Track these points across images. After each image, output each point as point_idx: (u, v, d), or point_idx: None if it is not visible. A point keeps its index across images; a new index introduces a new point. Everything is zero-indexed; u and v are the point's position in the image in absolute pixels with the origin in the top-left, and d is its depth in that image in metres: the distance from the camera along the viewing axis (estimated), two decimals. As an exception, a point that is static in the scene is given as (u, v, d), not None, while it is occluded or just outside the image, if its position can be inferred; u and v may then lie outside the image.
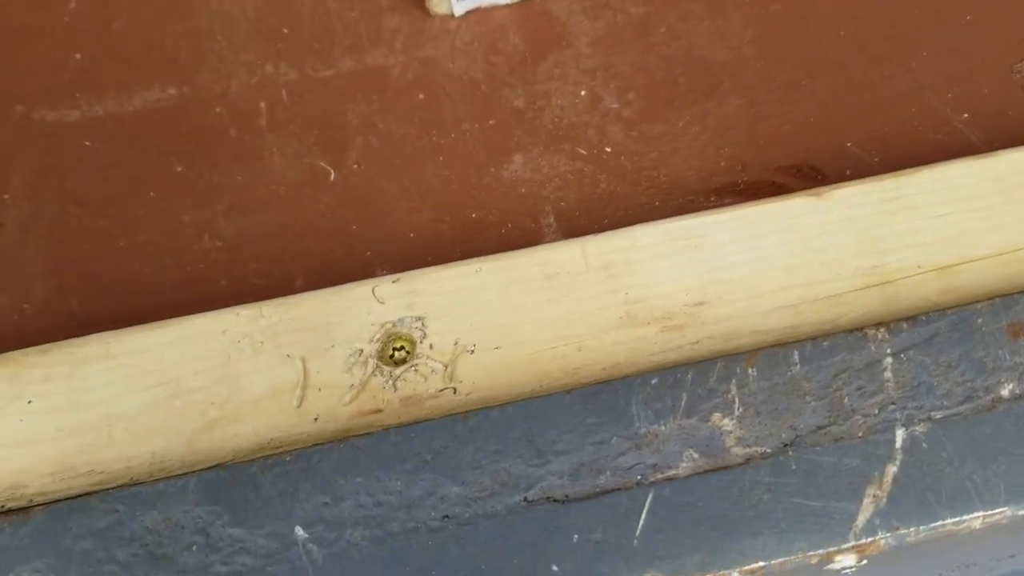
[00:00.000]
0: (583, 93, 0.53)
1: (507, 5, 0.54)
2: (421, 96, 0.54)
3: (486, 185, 0.52)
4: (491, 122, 0.53)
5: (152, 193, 0.52)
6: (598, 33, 0.55)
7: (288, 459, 0.38)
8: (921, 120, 0.52)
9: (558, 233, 0.51)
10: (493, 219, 0.51)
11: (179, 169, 0.53)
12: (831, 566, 0.35)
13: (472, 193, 0.52)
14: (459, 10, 0.54)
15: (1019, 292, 0.40)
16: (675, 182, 0.51)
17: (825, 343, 0.38)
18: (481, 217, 0.51)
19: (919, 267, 0.41)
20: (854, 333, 0.38)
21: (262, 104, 0.54)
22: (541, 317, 0.42)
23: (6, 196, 0.52)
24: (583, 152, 0.52)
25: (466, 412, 0.38)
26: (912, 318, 0.38)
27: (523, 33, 0.55)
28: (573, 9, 0.55)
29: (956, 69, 0.53)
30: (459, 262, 0.44)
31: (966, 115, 0.52)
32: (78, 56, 0.55)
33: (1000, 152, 0.44)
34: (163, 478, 0.39)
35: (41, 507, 0.39)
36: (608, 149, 0.52)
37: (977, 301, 0.40)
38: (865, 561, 0.35)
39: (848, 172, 0.51)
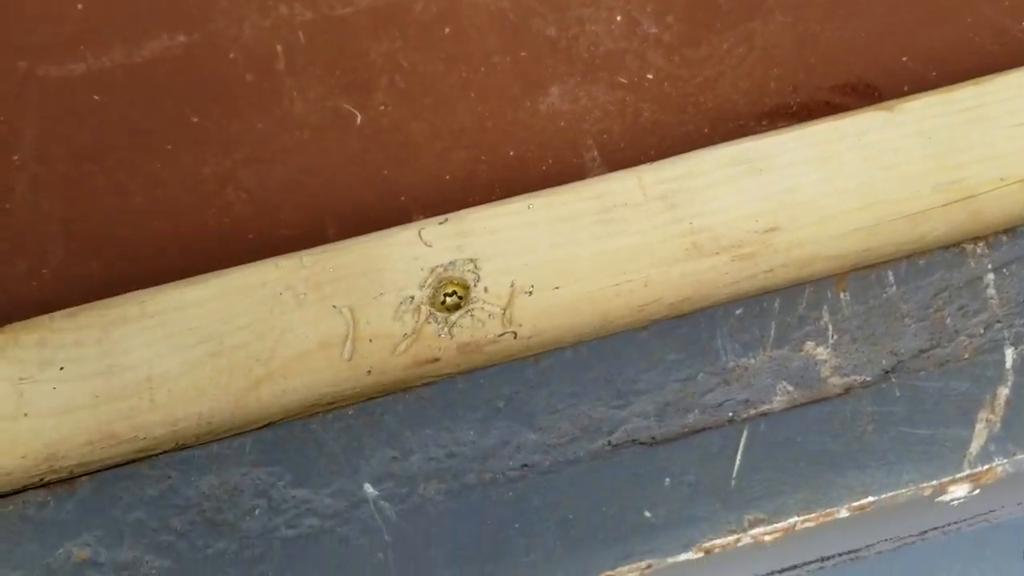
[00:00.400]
0: (619, 18, 0.51)
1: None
2: (447, 30, 0.51)
3: (522, 120, 0.49)
4: (523, 54, 0.50)
5: (168, 146, 0.49)
6: (631, -46, 0.52)
7: (351, 413, 0.35)
8: (977, 31, 0.49)
9: (603, 167, 0.48)
10: (533, 156, 0.49)
11: (195, 120, 0.50)
12: (943, 497, 0.34)
13: (508, 129, 0.49)
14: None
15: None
16: (723, 107, 0.49)
17: (921, 262, 0.36)
18: (520, 154, 0.49)
19: (1002, 180, 0.39)
20: (951, 249, 0.36)
21: (278, 47, 0.51)
22: (600, 253, 0.39)
23: (15, 158, 0.49)
24: (623, 81, 0.50)
25: (536, 355, 0.36)
26: (1011, 230, 0.36)
27: (551, -42, 0.52)
28: (603, -70, 0.52)
29: (1010, -25, 0.50)
30: (509, 199, 0.41)
31: (1024, 22, 0.49)
32: (80, 6, 0.52)
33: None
34: (216, 439, 0.36)
35: (87, 477, 0.36)
36: (650, 76, 0.50)
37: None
38: (978, 491, 0.33)
39: (905, 88, 0.48)
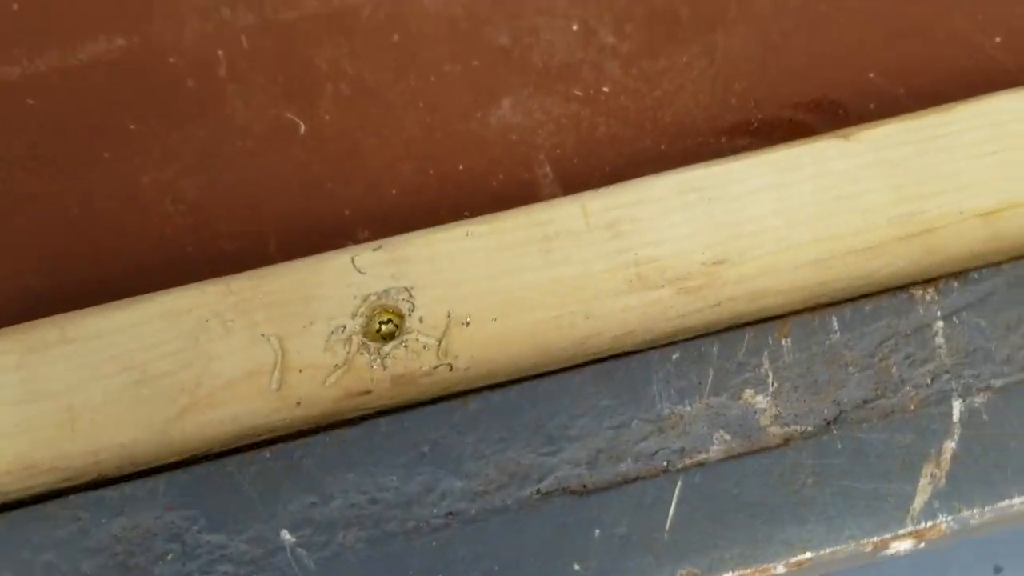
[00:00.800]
0: (575, 27, 0.48)
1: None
2: (396, 37, 0.49)
3: (473, 132, 0.47)
4: (475, 63, 0.48)
5: (106, 154, 0.47)
6: (590, -41, 0.49)
7: (268, 455, 0.34)
8: (949, 46, 0.47)
9: (555, 184, 0.46)
10: (483, 170, 0.47)
11: (133, 127, 0.48)
12: (885, 552, 0.32)
13: (458, 142, 0.47)
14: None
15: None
16: (682, 123, 0.47)
17: (867, 307, 0.34)
18: (469, 168, 0.47)
19: (961, 213, 0.37)
20: (898, 295, 0.34)
21: (220, 52, 0.49)
22: (541, 283, 0.37)
23: (-58, 164, 0.47)
24: (578, 93, 0.47)
25: (465, 397, 0.34)
26: (962, 274, 0.34)
27: (508, -38, 0.49)
28: (561, -67, 0.50)
29: (985, -13, 0.48)
30: (447, 225, 0.39)
31: (999, 39, 0.47)
32: (15, 7, 0.49)
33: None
34: (130, 478, 0.35)
35: (-4, 515, 0.35)
36: (606, 89, 0.48)
37: (1020, 252, 0.36)
38: (923, 545, 0.32)
39: (872, 106, 0.47)
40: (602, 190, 0.39)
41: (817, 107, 0.47)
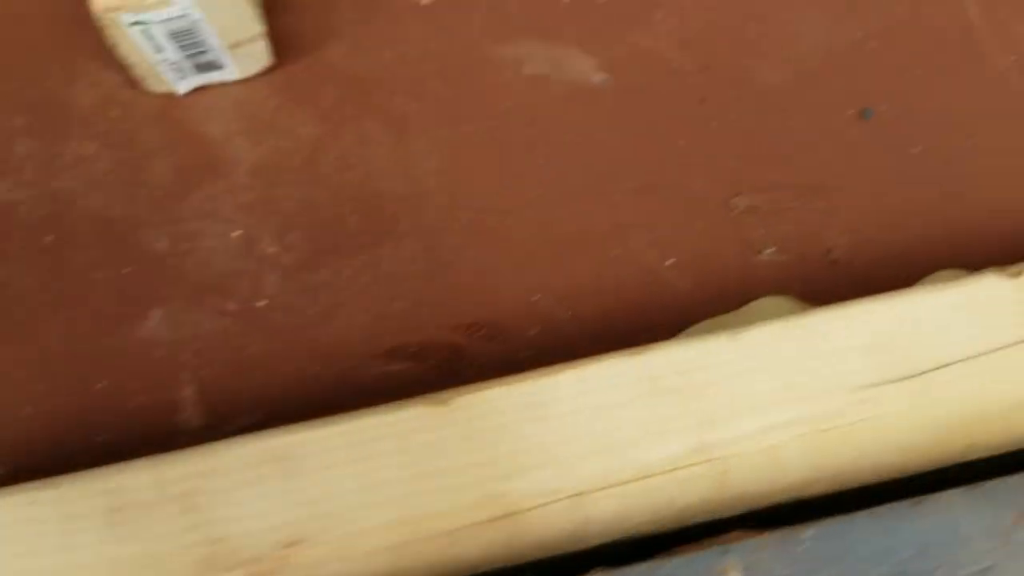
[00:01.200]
0: (237, 234, 0.46)
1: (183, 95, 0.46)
2: (50, 238, 0.46)
3: (116, 347, 0.44)
4: (126, 270, 0.45)
5: None
6: (260, 160, 0.47)
7: None
8: (622, 265, 0.45)
9: (198, 407, 0.43)
10: (124, 389, 0.44)
11: None
12: None
13: (100, 357, 0.44)
14: (183, 88, 0.46)
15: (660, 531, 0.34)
16: (338, 343, 0.44)
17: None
18: (109, 388, 0.44)
19: (555, 492, 0.35)
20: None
21: None
22: (109, 561, 0.34)
23: None
24: (232, 307, 0.45)
25: None
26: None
27: (172, 159, 0.47)
28: (232, 130, 0.47)
29: (663, 203, 0.46)
30: (11, 488, 0.36)
31: (672, 260, 0.45)
32: None
33: (655, 347, 0.37)
34: None
35: None
36: (261, 303, 0.45)
37: (612, 537, 0.33)
38: None
39: (533, 331, 0.44)
40: (179, 454, 0.36)
41: (479, 329, 0.44)
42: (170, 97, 0.47)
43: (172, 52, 0.43)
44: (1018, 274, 0.37)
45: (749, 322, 0.39)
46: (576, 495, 0.35)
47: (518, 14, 0.50)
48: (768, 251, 0.45)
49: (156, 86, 0.46)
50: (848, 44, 0.48)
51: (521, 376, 0.36)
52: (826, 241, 0.45)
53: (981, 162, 0.46)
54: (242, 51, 0.45)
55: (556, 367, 0.36)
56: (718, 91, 0.47)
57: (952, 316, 0.36)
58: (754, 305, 0.42)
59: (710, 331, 0.39)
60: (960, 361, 0.36)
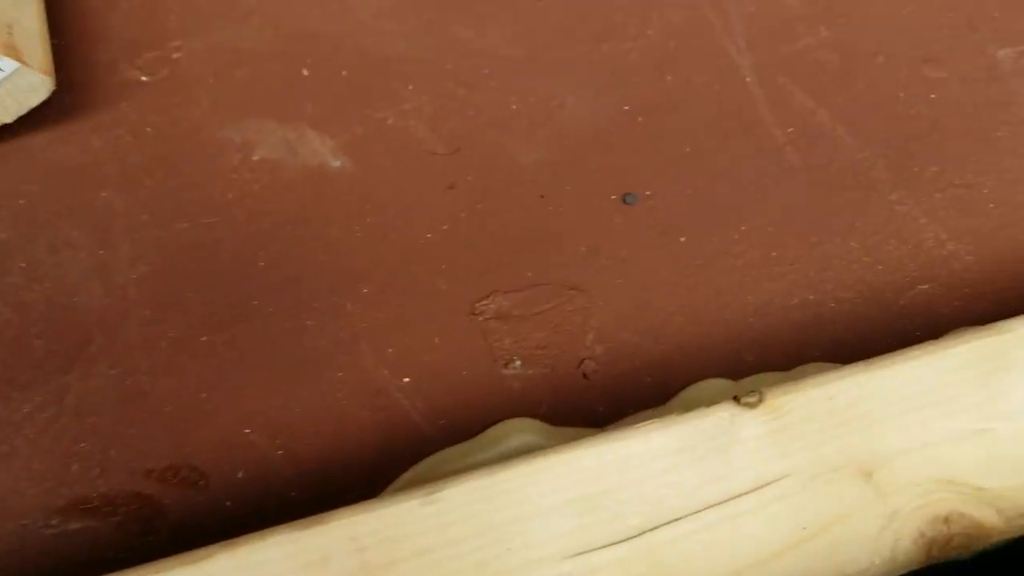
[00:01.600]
0: None
1: None
2: None
3: None
4: None
5: None
6: (-67, 276, 0.40)
7: None
8: (348, 388, 0.38)
9: None
10: None
11: None
12: None
13: None
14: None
15: None
16: (6, 498, 0.37)
17: None
18: None
19: None
20: None
21: None
22: None
23: None
24: None
25: None
26: None
27: None
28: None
29: (401, 310, 0.39)
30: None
31: (407, 379, 0.38)
32: None
33: (335, 516, 0.30)
34: None
35: None
36: (-80, 452, 0.38)
37: None
38: None
39: (240, 474, 0.37)
40: None
41: (175, 475, 0.37)
42: None
43: None
44: (756, 404, 0.30)
45: (485, 451, 0.33)
46: None
47: (250, 89, 0.43)
48: (515, 364, 0.38)
49: None
50: (613, 120, 0.41)
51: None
52: (580, 351, 0.38)
53: (752, 254, 0.40)
54: None
55: (208, 548, 0.29)
56: (469, 175, 0.41)
57: (676, 461, 0.30)
58: (492, 432, 0.35)
59: (425, 475, 0.32)
60: (684, 517, 0.29)
